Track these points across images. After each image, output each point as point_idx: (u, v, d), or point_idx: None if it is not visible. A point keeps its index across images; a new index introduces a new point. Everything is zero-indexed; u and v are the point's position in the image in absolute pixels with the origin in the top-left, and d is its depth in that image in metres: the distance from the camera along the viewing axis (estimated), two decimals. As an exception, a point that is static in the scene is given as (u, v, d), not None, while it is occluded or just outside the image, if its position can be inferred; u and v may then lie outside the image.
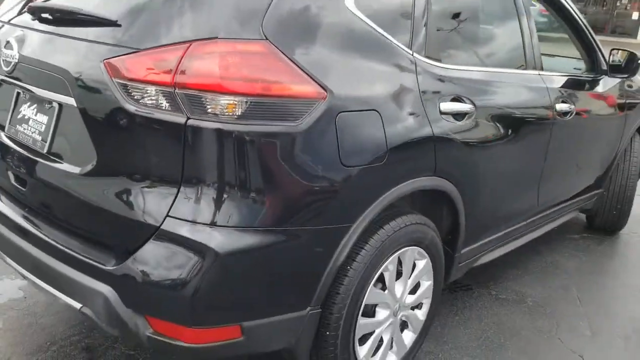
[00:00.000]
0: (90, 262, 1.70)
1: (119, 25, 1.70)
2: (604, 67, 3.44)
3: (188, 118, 1.57)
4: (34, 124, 1.94)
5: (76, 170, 1.79)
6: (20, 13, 2.07)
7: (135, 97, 1.61)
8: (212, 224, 1.61)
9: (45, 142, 1.88)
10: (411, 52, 2.08)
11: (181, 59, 1.56)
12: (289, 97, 1.66)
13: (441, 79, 2.18)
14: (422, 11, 2.16)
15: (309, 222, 1.75)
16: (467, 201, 2.37)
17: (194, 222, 1.61)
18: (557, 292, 3.24)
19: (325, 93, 1.72)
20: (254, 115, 1.60)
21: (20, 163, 2.00)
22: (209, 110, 1.56)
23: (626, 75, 3.47)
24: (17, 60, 1.91)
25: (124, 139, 1.68)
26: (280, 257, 1.73)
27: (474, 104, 2.28)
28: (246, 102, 1.58)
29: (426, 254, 2.25)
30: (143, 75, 1.59)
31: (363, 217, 1.88)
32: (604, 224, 4.08)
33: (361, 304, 2.00)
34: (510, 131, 2.54)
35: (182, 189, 1.62)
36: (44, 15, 1.92)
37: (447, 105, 2.16)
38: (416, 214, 2.16)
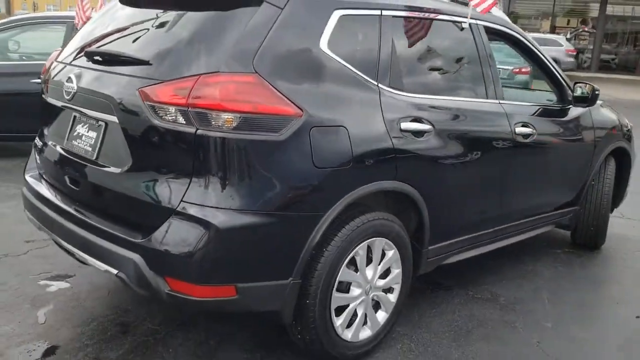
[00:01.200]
0: (124, 237, 2.29)
1: (150, 64, 2.33)
2: (570, 98, 3.95)
3: (197, 129, 2.16)
4: (86, 138, 2.57)
5: (117, 170, 2.40)
6: (78, 55, 2.73)
7: (160, 115, 2.21)
8: (215, 206, 2.18)
9: (95, 151, 2.50)
10: (376, 83, 2.65)
11: (193, 87, 2.16)
12: (273, 114, 2.25)
13: (402, 104, 2.74)
14: (388, 52, 2.74)
15: (290, 209, 2.31)
16: (430, 204, 2.89)
17: (201, 205, 2.18)
18: (529, 294, 3.68)
19: (302, 112, 2.30)
20: (246, 127, 2.19)
21: (75, 168, 2.62)
22: (212, 123, 2.16)
23: (586, 105, 3.97)
24: (75, 91, 2.56)
25: (151, 145, 2.29)
26: (267, 235, 2.28)
27: (432, 124, 2.83)
28: (239, 117, 2.17)
29: (394, 245, 2.77)
30: (166, 99, 2.20)
31: (333, 209, 2.42)
32: (583, 239, 4.51)
33: (335, 280, 2.52)
34: (468, 148, 3.06)
35: (192, 181, 2.20)
36: (96, 57, 2.57)
37: (407, 125, 2.71)
38: (382, 212, 2.69)
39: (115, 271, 2.32)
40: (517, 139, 3.38)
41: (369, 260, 2.70)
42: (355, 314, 2.70)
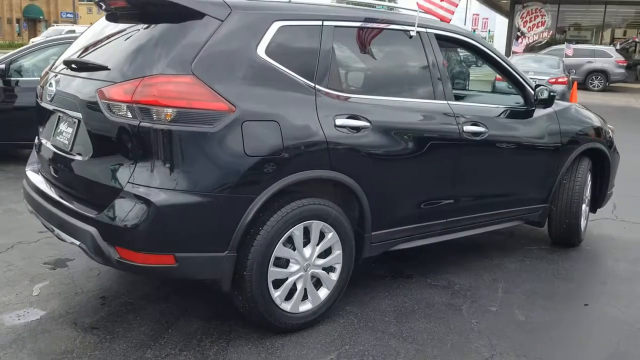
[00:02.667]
0: (85, 213, 2.74)
1: (109, 69, 2.78)
2: (532, 99, 4.20)
3: (140, 122, 2.59)
4: (65, 134, 3.05)
5: (83, 159, 2.86)
6: (60, 65, 3.23)
7: (113, 111, 2.66)
8: (155, 187, 2.60)
9: (70, 144, 2.98)
10: (313, 85, 3.02)
11: (137, 86, 2.60)
12: (207, 109, 2.66)
13: (339, 103, 3.10)
14: (327, 58, 3.11)
15: (223, 190, 2.70)
16: (370, 194, 3.22)
17: (143, 185, 2.60)
18: (485, 283, 3.92)
19: (235, 108, 2.70)
20: (182, 120, 2.60)
21: (57, 160, 3.10)
22: (152, 117, 2.58)
23: (543, 106, 4.20)
24: (54, 93, 3.05)
25: (107, 136, 2.74)
26: (202, 212, 2.68)
27: (369, 121, 3.17)
28: (175, 112, 2.59)
29: (332, 229, 3.11)
30: (117, 97, 2.64)
31: (265, 192, 2.79)
32: (558, 237, 4.69)
33: (271, 256, 2.88)
34: (410, 144, 3.37)
35: (137, 165, 2.63)
36: (72, 65, 3.06)
37: (343, 121, 3.07)
38: (319, 198, 3.04)
39: (78, 242, 2.77)
40: (465, 136, 3.66)
41: (308, 240, 3.05)
42: (295, 288, 3.05)
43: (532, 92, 4.21)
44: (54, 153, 3.12)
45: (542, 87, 4.22)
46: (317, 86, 3.04)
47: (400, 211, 3.47)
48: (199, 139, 2.64)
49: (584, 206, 4.68)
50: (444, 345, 3.08)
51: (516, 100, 4.41)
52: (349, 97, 3.17)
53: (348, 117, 3.11)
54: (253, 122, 2.76)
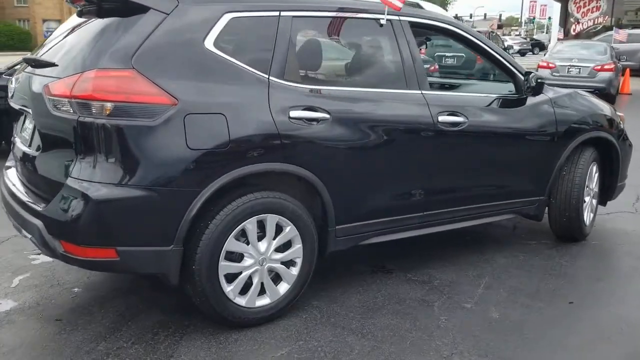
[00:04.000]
0: (33, 206, 2.79)
1: (57, 65, 2.82)
2: (523, 87, 4.01)
3: (79, 116, 2.61)
4: (27, 130, 3.12)
5: (35, 153, 2.92)
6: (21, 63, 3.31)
7: (56, 106, 2.69)
8: (93, 181, 2.62)
9: (29, 139, 3.04)
10: (267, 76, 2.98)
11: (75, 81, 2.62)
12: (146, 103, 2.65)
13: (295, 95, 3.04)
14: (284, 49, 3.05)
15: (165, 184, 2.69)
16: (331, 186, 3.15)
17: (82, 180, 2.63)
18: (468, 279, 3.78)
19: (177, 101, 2.69)
20: (120, 114, 2.61)
21: (22, 155, 3.17)
22: (90, 111, 2.60)
23: (532, 93, 4.00)
24: (14, 92, 3.13)
25: (52, 131, 2.78)
26: (144, 206, 2.68)
27: (329, 113, 3.10)
28: (113, 106, 2.60)
29: (290, 222, 3.06)
30: (58, 92, 2.67)
31: (210, 186, 2.77)
32: (559, 231, 4.48)
33: (222, 249, 2.86)
34: (376, 135, 3.28)
35: (78, 160, 2.65)
36: (32, 63, 3.12)
37: (298, 113, 3.01)
38: (273, 191, 3.00)
39: (29, 236, 2.83)
40: (440, 127, 3.53)
41: (265, 234, 3.01)
42: (251, 283, 3.02)
43: (522, 79, 4.02)
44: (21, 150, 3.20)
45: (532, 74, 4.02)
46: (271, 78, 2.99)
47: (367, 205, 3.39)
48: (139, 133, 2.64)
49: (587, 198, 4.44)
50: (403, 342, 2.99)
51: (511, 88, 4.23)
52: (308, 89, 3.11)
53: (304, 109, 3.04)
54: (197, 114, 2.74)
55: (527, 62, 27.87)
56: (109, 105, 2.60)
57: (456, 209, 3.80)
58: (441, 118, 3.54)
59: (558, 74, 14.93)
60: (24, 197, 2.96)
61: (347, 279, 3.69)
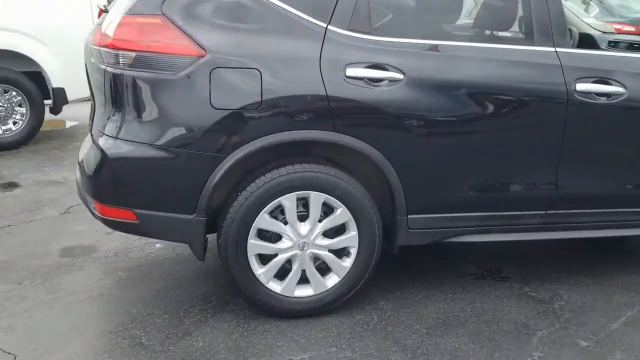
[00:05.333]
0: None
1: (108, 12, 2.68)
2: None
3: (106, 66, 2.43)
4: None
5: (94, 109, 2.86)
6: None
7: (94, 55, 2.56)
8: (115, 136, 2.43)
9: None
10: (325, 25, 2.45)
11: (104, 30, 2.44)
12: (170, 54, 2.35)
13: (358, 48, 2.46)
14: (354, -11, 2.48)
15: (186, 146, 2.38)
16: (400, 166, 2.53)
17: (106, 134, 2.46)
18: (607, 307, 2.81)
19: (205, 53, 2.35)
20: (142, 65, 2.34)
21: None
22: (114, 61, 2.39)
23: None
24: None
25: (95, 83, 2.65)
26: (163, 168, 2.42)
27: (402, 72, 2.46)
28: (135, 56, 2.34)
29: (342, 204, 2.53)
30: (95, 42, 2.52)
31: (237, 152, 2.39)
32: None
33: (251, 226, 2.48)
34: (470, 106, 2.53)
35: (105, 112, 2.49)
36: (104, 11, 3.04)
37: (357, 71, 2.43)
38: (319, 164, 2.50)
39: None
40: (578, 98, 2.59)
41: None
42: (289, 269, 2.60)
43: None
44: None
45: None
46: (330, 27, 2.45)
47: (455, 193, 2.66)
48: (159, 87, 2.36)
49: None
50: (458, 378, 2.29)
51: None
52: (381, 41, 2.49)
53: (368, 66, 2.45)
54: (226, 69, 2.36)
55: None
56: (130, 54, 2.36)
57: (595, 212, 2.81)
58: (580, 86, 2.60)
59: None
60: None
61: (439, 281, 3.01)
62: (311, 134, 2.45)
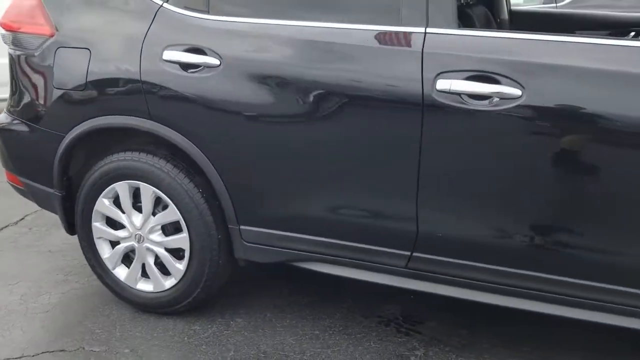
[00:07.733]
0: None
1: None
2: None
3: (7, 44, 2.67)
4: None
5: None
6: None
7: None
8: (6, 111, 2.67)
9: None
10: (160, 3, 2.24)
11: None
12: (32, 33, 2.47)
13: (183, 28, 2.18)
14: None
15: (37, 122, 2.49)
16: (222, 166, 2.19)
17: (6, 109, 2.71)
18: None
19: (55, 32, 2.41)
20: (17, 44, 2.52)
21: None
22: (6, 40, 2.62)
23: None
24: None
25: None
26: (25, 141, 2.57)
27: (220, 57, 2.10)
28: (13, 36, 2.53)
29: (170, 200, 2.31)
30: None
31: (72, 131, 2.38)
32: None
33: (92, 209, 2.47)
34: (301, 103, 2.01)
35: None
36: None
37: (173, 54, 2.16)
38: (149, 154, 2.32)
39: None
40: (439, 99, 1.82)
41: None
42: (131, 258, 2.50)
43: None
44: None
45: None
46: (165, 5, 2.23)
47: (291, 208, 2.16)
48: (24, 65, 2.50)
49: None
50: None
51: None
52: (208, 20, 2.16)
53: (186, 49, 2.15)
54: (66, 48, 2.37)
55: None
56: (9, 35, 2.57)
57: (467, 265, 1.93)
58: (441, 85, 1.81)
59: None
60: None
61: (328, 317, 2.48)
62: (126, 120, 2.29)
